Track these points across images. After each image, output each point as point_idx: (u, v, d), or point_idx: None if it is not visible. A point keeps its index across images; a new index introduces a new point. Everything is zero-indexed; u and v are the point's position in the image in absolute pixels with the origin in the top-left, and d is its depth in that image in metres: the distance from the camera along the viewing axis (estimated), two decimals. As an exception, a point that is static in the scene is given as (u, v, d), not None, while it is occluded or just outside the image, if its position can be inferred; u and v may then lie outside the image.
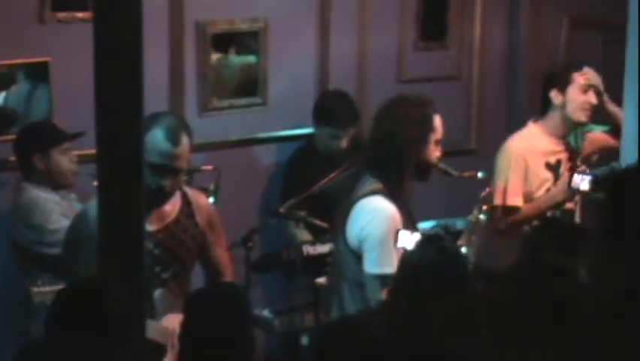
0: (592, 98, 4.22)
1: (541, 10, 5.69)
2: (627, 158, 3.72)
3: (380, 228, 3.32)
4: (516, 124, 5.85)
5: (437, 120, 3.45)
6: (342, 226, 3.43)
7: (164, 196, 3.46)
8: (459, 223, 3.77)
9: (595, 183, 3.87)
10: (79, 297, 2.46)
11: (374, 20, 5.24)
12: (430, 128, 3.40)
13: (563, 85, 4.25)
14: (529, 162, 4.22)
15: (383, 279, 3.27)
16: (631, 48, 3.80)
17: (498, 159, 4.29)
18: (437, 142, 3.44)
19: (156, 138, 3.35)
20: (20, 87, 4.42)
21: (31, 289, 3.56)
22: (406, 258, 2.90)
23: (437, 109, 3.49)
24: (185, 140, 3.44)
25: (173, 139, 3.40)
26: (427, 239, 2.98)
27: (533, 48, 5.71)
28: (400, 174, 3.38)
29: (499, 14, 5.64)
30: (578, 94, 4.22)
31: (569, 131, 4.29)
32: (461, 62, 5.56)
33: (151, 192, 3.25)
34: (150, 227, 3.38)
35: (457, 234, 3.66)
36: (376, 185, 3.38)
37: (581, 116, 4.23)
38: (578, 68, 4.30)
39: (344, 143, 4.76)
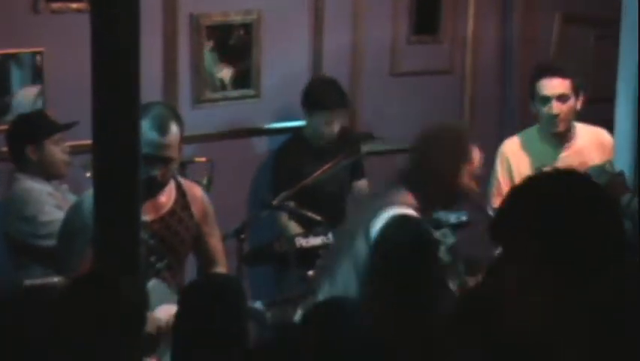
0: (553, 108, 4.05)
1: (533, 6, 5.70)
2: (620, 155, 3.73)
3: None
4: (508, 119, 5.88)
5: (477, 152, 3.49)
6: (366, 223, 3.40)
7: (156, 186, 3.46)
8: (452, 217, 3.78)
9: None
10: (91, 294, 2.45)
11: (367, 13, 5.25)
12: (468, 159, 3.44)
13: (531, 95, 4.16)
14: (513, 164, 4.17)
15: None
16: (623, 44, 3.81)
17: None
18: (473, 174, 3.47)
19: (144, 128, 3.34)
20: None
21: (22, 281, 3.55)
22: (380, 237, 2.95)
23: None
24: (174, 129, 3.43)
25: (162, 129, 3.40)
26: (400, 219, 3.03)
27: (526, 43, 5.72)
28: (429, 197, 3.40)
29: (492, 9, 5.65)
30: (541, 107, 4.10)
31: (555, 140, 4.15)
32: (454, 57, 5.57)
33: (143, 182, 3.26)
34: (145, 217, 3.39)
35: (454, 227, 3.68)
36: (408, 197, 3.41)
37: (551, 128, 4.11)
38: (542, 74, 4.10)
39: (335, 128, 4.77)
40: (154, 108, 3.47)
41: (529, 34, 5.72)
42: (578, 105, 4.12)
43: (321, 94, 4.80)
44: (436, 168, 3.36)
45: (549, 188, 1.82)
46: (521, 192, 1.85)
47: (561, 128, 4.11)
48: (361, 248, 3.32)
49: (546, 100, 4.08)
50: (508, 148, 4.26)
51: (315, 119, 4.79)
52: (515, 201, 1.84)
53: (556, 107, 4.07)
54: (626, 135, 3.68)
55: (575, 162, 3.97)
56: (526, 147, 4.22)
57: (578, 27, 5.64)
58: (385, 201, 3.34)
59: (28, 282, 3.49)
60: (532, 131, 4.28)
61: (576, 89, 4.08)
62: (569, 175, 1.88)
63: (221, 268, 3.68)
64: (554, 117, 4.08)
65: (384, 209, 3.32)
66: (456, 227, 3.70)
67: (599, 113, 4.27)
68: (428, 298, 2.98)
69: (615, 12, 3.98)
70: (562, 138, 4.16)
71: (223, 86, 4.95)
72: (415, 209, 3.35)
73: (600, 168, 3.73)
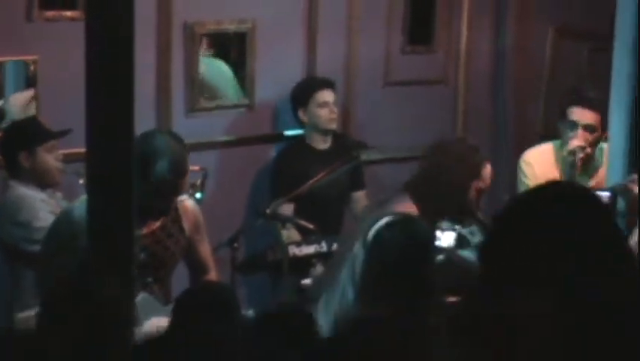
0: (579, 137, 4.04)
1: (527, 18, 5.72)
2: (614, 168, 3.74)
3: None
4: (501, 130, 5.90)
5: (488, 169, 3.49)
6: (365, 230, 3.41)
7: (163, 214, 3.54)
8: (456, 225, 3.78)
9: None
10: (72, 300, 2.44)
11: (362, 23, 5.26)
12: (477, 175, 3.44)
13: (560, 114, 4.16)
14: (539, 172, 4.14)
15: None
16: (617, 57, 3.82)
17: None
18: (481, 191, 3.47)
19: (163, 171, 3.40)
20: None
21: (15, 315, 3.59)
22: (374, 237, 2.95)
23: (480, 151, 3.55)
24: (188, 165, 3.51)
25: (181, 172, 3.48)
26: (396, 220, 3.04)
27: (519, 55, 5.74)
28: (434, 209, 3.41)
29: (485, 21, 5.67)
30: (567, 131, 4.08)
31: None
32: (448, 67, 5.58)
33: (153, 211, 3.36)
34: (137, 232, 3.40)
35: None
36: (410, 205, 3.41)
37: (569, 156, 4.07)
38: (578, 102, 4.11)
39: (332, 108, 4.83)
40: (166, 146, 3.48)
41: (522, 46, 5.74)
42: (604, 136, 4.08)
43: (306, 83, 4.93)
44: (446, 180, 3.36)
45: (545, 205, 1.81)
46: (514, 210, 1.84)
47: (580, 161, 4.08)
48: (359, 254, 3.33)
49: (574, 126, 4.10)
50: (533, 158, 4.24)
51: (312, 110, 4.82)
52: (508, 221, 1.83)
53: (581, 135, 4.08)
54: (619, 148, 3.69)
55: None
56: (548, 159, 4.20)
57: (571, 40, 5.66)
58: (387, 210, 3.35)
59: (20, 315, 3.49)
60: (552, 146, 4.25)
61: (605, 122, 4.05)
62: (566, 190, 1.86)
63: (212, 275, 3.69)
64: (577, 148, 4.07)
65: (384, 216, 3.33)
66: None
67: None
68: (419, 300, 2.97)
69: (609, 26, 3.99)
70: (589, 164, 4.15)
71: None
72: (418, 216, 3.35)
73: (623, 187, 3.69)
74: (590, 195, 1.86)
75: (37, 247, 3.88)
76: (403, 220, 3.10)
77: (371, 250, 3.00)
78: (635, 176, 3.68)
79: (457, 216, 3.50)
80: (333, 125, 4.88)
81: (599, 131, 4.11)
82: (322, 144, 4.90)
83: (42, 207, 3.99)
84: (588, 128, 4.10)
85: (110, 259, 2.52)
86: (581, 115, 4.10)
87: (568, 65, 5.56)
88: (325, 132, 4.89)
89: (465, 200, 3.43)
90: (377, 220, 3.27)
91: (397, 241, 2.95)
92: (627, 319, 1.74)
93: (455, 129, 5.69)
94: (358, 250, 3.28)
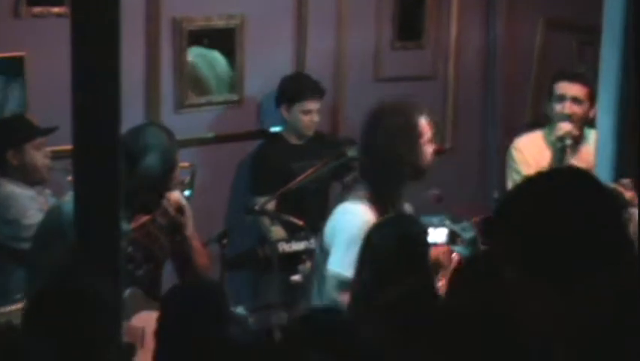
0: (566, 108, 4.13)
1: (516, 12, 5.72)
2: (603, 161, 3.73)
3: (351, 231, 3.33)
4: (491, 124, 5.89)
5: (423, 123, 3.47)
6: (323, 227, 3.46)
7: (154, 208, 3.54)
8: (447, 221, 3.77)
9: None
10: (60, 296, 2.43)
11: (351, 19, 5.25)
12: (419, 135, 3.42)
13: (549, 96, 4.24)
14: (530, 158, 4.19)
15: (340, 281, 3.29)
16: (605, 50, 3.82)
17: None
18: (429, 141, 3.46)
19: (153, 164, 3.40)
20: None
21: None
22: (369, 236, 2.95)
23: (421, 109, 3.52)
24: (178, 159, 3.50)
25: (170, 165, 3.48)
26: (391, 220, 3.03)
27: (509, 49, 5.74)
28: (397, 181, 3.40)
29: (475, 15, 5.66)
30: (556, 105, 4.17)
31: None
32: (437, 62, 5.58)
33: (143, 204, 3.36)
34: (127, 226, 3.40)
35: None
36: (363, 193, 3.41)
37: (559, 130, 4.15)
38: (563, 77, 4.23)
39: (315, 117, 4.83)
40: (156, 140, 3.49)
41: (512, 40, 5.74)
42: (592, 113, 4.16)
43: (295, 86, 4.88)
44: (393, 152, 3.35)
45: (549, 189, 1.81)
46: (518, 193, 1.85)
47: (571, 130, 4.13)
48: (319, 249, 3.35)
49: (561, 98, 4.17)
50: (523, 145, 4.28)
51: (294, 113, 4.82)
52: (512, 202, 1.83)
53: (569, 107, 4.15)
54: (607, 140, 3.69)
55: (585, 166, 3.97)
56: (538, 145, 4.25)
57: (560, 33, 5.66)
58: (341, 200, 3.36)
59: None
60: (542, 133, 4.30)
61: (592, 97, 4.14)
62: (571, 175, 1.86)
63: (198, 264, 3.69)
64: (566, 117, 4.14)
65: (338, 206, 3.35)
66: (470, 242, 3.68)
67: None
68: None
69: (597, 18, 3.99)
70: (574, 146, 4.19)
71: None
72: (371, 203, 3.35)
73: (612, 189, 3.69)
74: (598, 183, 1.86)
75: (25, 245, 3.87)
76: (392, 221, 3.09)
77: (363, 255, 2.98)
78: (626, 180, 3.68)
79: (417, 176, 3.47)
80: (310, 133, 4.88)
81: (586, 105, 4.17)
82: (298, 140, 4.90)
83: (30, 205, 3.98)
84: (575, 100, 4.17)
85: (96, 253, 2.51)
86: (568, 88, 4.18)
87: (557, 57, 5.56)
88: (301, 136, 4.89)
89: (417, 160, 3.42)
90: (334, 210, 3.27)
91: (388, 243, 2.93)
92: (629, 307, 1.74)
93: (445, 125, 5.68)
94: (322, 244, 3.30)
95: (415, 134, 3.41)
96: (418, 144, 3.41)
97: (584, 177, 1.85)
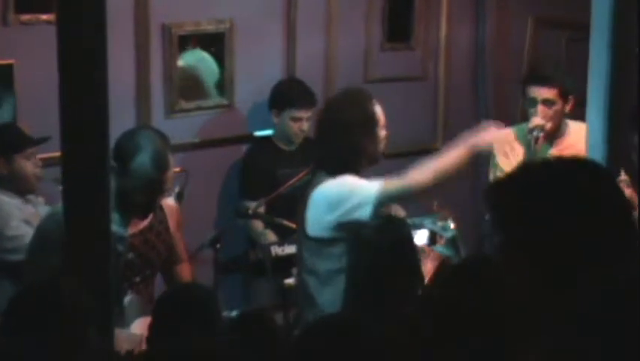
0: (539, 112, 4.16)
1: (506, 11, 5.72)
2: (593, 158, 3.73)
3: (344, 185, 3.32)
4: (482, 124, 5.88)
5: (378, 111, 3.48)
6: (302, 223, 3.44)
7: (149, 211, 3.53)
8: (426, 222, 3.78)
9: None
10: (31, 298, 2.43)
11: (340, 21, 5.25)
12: (375, 123, 3.44)
13: (523, 95, 4.31)
14: (509, 152, 4.23)
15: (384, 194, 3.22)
16: (595, 47, 3.82)
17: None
18: (382, 127, 3.48)
19: (144, 163, 3.38)
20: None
21: None
22: (360, 239, 2.95)
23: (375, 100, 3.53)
24: (171, 161, 3.48)
25: (163, 166, 3.47)
26: (382, 223, 3.03)
27: (499, 48, 5.74)
28: (355, 169, 3.41)
29: (464, 15, 5.67)
30: (529, 108, 4.22)
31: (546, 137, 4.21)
32: (427, 63, 5.58)
33: (138, 207, 3.34)
34: (125, 232, 3.41)
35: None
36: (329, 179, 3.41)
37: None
38: (531, 81, 4.27)
39: (304, 125, 4.81)
40: (148, 141, 3.48)
41: (502, 39, 5.74)
42: (567, 108, 4.26)
43: (288, 92, 4.86)
44: (350, 140, 3.36)
45: (553, 175, 1.83)
46: (520, 178, 1.87)
47: (543, 124, 4.19)
48: (306, 245, 3.33)
49: (533, 102, 4.23)
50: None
51: (284, 119, 4.81)
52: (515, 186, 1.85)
53: (542, 110, 4.20)
54: (597, 137, 3.69)
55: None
56: (518, 139, 4.27)
57: (550, 30, 5.67)
58: (310, 191, 3.36)
59: None
60: (524, 126, 4.33)
61: (564, 95, 4.23)
62: (575, 163, 1.88)
63: (185, 266, 3.71)
64: (536, 127, 4.16)
65: (311, 195, 3.34)
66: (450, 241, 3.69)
67: (571, 115, 4.32)
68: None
69: (587, 15, 3.99)
70: (552, 135, 4.26)
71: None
72: None
73: None
74: (603, 169, 1.88)
75: (8, 256, 3.84)
76: (384, 224, 3.08)
77: (355, 258, 2.98)
78: (624, 177, 3.70)
79: (373, 162, 3.47)
80: (298, 140, 4.86)
81: (559, 104, 4.24)
82: (287, 146, 4.90)
83: (16, 215, 3.94)
84: (547, 102, 4.23)
85: (86, 262, 2.51)
86: (538, 92, 4.23)
87: (547, 55, 5.57)
88: (290, 142, 4.88)
89: (374, 147, 3.42)
90: (307, 201, 3.26)
91: (381, 246, 2.93)
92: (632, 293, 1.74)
93: (436, 124, 5.69)
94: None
95: (372, 123, 3.42)
96: (375, 132, 3.42)
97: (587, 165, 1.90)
